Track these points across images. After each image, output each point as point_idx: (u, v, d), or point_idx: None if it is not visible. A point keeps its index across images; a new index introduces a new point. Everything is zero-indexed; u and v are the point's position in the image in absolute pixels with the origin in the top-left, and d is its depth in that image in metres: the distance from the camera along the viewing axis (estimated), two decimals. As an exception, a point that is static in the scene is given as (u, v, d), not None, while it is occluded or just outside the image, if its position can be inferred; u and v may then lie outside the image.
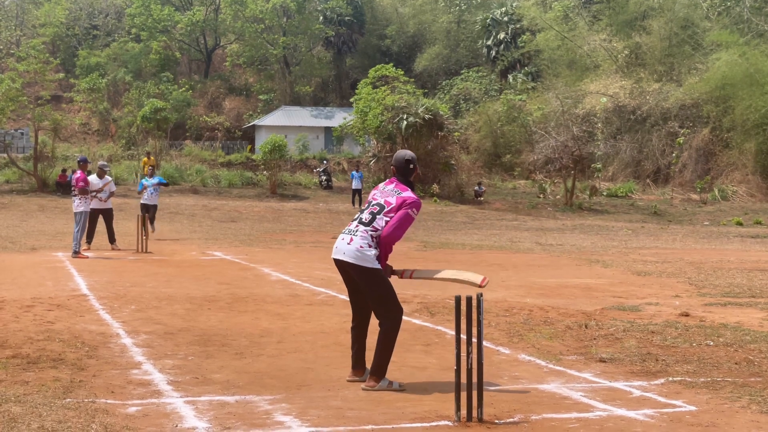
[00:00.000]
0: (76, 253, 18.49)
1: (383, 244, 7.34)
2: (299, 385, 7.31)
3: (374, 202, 7.46)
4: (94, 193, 19.81)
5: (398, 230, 7.31)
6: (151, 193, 24.52)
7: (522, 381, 7.64)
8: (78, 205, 19.03)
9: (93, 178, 20.55)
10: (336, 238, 7.60)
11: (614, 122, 51.20)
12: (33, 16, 76.82)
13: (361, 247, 7.24)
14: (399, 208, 7.31)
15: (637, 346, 9.19)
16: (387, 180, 7.68)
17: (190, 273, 16.01)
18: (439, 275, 7.66)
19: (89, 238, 20.75)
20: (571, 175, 42.48)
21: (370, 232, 7.30)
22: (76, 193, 19.16)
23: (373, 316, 7.54)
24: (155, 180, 24.94)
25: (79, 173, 19.47)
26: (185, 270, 16.60)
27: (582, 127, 45.15)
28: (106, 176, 21.26)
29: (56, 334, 9.33)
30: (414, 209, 7.34)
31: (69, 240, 22.65)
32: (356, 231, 7.35)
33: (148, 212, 23.62)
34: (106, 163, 22.46)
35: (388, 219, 7.30)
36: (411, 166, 7.59)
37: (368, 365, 7.47)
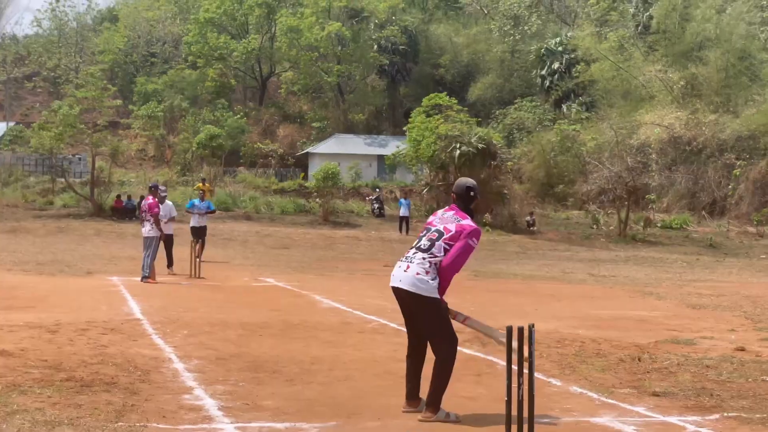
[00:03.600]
0: (146, 278, 18.59)
1: (443, 273, 7.20)
2: (350, 413, 7.30)
3: (433, 228, 7.36)
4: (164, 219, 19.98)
5: (459, 259, 7.21)
6: (200, 217, 24.36)
7: (573, 414, 7.56)
8: (149, 230, 19.09)
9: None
10: (389, 266, 7.58)
11: (669, 153, 50.70)
12: (92, 43, 78.30)
13: (418, 273, 7.16)
14: (459, 236, 7.20)
15: (691, 380, 9.06)
16: (447, 207, 7.61)
17: (242, 299, 16.10)
18: (479, 327, 7.65)
19: (169, 263, 21.13)
20: (625, 206, 42.06)
21: (428, 259, 7.19)
22: (148, 217, 19.23)
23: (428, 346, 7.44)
24: (205, 204, 24.85)
25: (150, 199, 19.57)
26: (237, 296, 16.70)
27: (636, 157, 44.80)
28: (167, 201, 21.42)
29: (110, 358, 9.42)
30: (474, 239, 7.26)
31: (124, 264, 22.96)
32: (413, 258, 7.26)
33: (199, 237, 23.26)
34: (164, 187, 22.54)
35: (447, 246, 7.19)
36: (472, 193, 7.54)
37: (423, 395, 7.41)
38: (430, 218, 7.59)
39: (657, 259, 32.80)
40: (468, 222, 7.32)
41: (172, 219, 21.37)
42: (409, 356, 7.56)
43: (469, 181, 7.68)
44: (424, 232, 7.45)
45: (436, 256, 7.20)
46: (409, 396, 7.46)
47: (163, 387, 8.13)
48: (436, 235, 7.29)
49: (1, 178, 51.91)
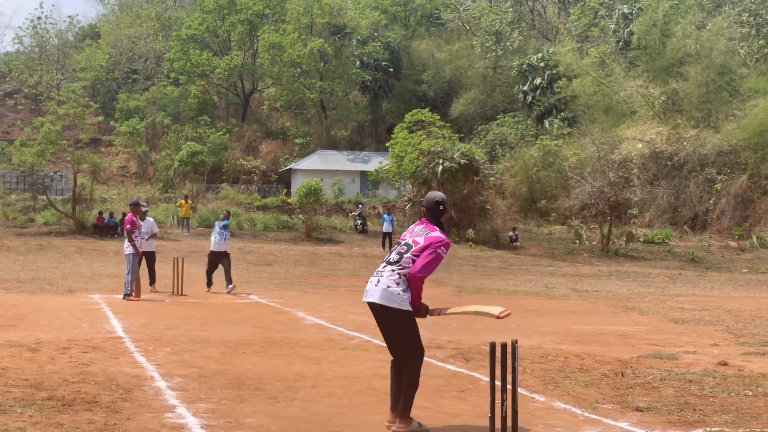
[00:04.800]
0: (127, 296, 18.50)
1: (413, 280, 7.27)
2: (333, 430, 7.28)
3: (403, 242, 7.49)
4: (136, 234, 19.39)
5: (427, 267, 7.27)
6: (218, 240, 21.66)
7: (557, 429, 7.55)
8: (128, 246, 18.98)
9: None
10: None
11: (651, 168, 50.91)
12: (74, 60, 78.20)
13: (389, 286, 7.27)
14: (427, 247, 7.29)
15: (674, 395, 9.07)
16: (418, 221, 7.72)
17: (224, 316, 16.05)
18: (464, 309, 7.75)
19: (151, 280, 21.05)
20: (608, 221, 42.19)
21: (397, 271, 7.30)
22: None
23: None
24: (223, 223, 22.09)
25: (129, 215, 19.47)
26: (220, 313, 16.64)
27: (618, 172, 44.94)
28: (148, 218, 21.34)
29: (91, 377, 9.37)
30: (443, 248, 7.34)
31: (106, 282, 22.88)
32: (383, 271, 7.39)
33: (222, 263, 21.37)
34: (145, 204, 22.41)
35: (415, 257, 7.28)
36: (441, 207, 7.64)
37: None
38: (403, 234, 7.66)
39: (639, 273, 32.91)
40: (437, 234, 7.41)
41: (153, 236, 21.32)
42: (395, 364, 7.52)
43: (438, 194, 7.77)
44: (395, 246, 7.58)
45: (404, 267, 7.30)
46: (395, 406, 7.43)
47: (145, 405, 8.08)
48: (405, 248, 7.41)
49: (-19, 195, 51.69)
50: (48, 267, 28.11)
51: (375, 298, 7.32)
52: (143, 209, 20.87)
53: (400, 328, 7.34)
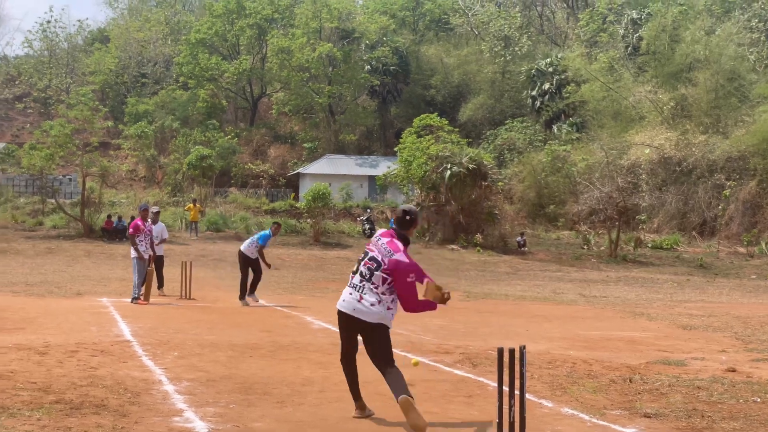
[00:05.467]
0: (135, 299, 18.51)
1: (412, 311, 7.71)
2: (340, 435, 7.27)
3: (370, 254, 7.69)
4: (140, 238, 19.07)
5: (410, 297, 7.58)
6: (250, 245, 20.16)
7: (565, 435, 7.53)
8: (133, 250, 18.94)
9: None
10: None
11: (660, 174, 50.83)
12: (83, 64, 78.45)
13: (372, 304, 7.55)
14: (393, 272, 7.51)
15: (682, 401, 9.04)
16: (384, 231, 7.95)
17: (232, 320, 16.05)
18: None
19: (159, 284, 20.99)
20: (616, 226, 42.13)
21: (374, 290, 7.56)
22: (139, 238, 19.02)
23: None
24: (261, 234, 20.35)
25: (139, 221, 19.21)
26: (228, 317, 16.65)
27: (627, 178, 44.91)
28: (159, 222, 21.34)
29: (99, 380, 9.37)
30: (411, 275, 7.58)
31: (114, 285, 22.91)
32: (363, 287, 7.62)
33: (254, 272, 19.98)
34: (156, 208, 22.32)
35: (385, 276, 7.53)
36: (408, 217, 7.84)
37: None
38: (372, 241, 7.86)
39: (647, 279, 32.85)
40: (398, 257, 7.56)
41: (163, 240, 21.34)
42: (349, 363, 7.97)
43: (408, 206, 8.04)
44: (363, 255, 7.78)
45: (377, 286, 7.56)
46: (359, 398, 7.94)
47: (153, 409, 8.08)
48: (375, 264, 7.62)
49: (-9, 198, 51.86)
50: (56, 270, 28.16)
51: (361, 315, 7.57)
52: (154, 211, 20.83)
53: (381, 341, 7.61)
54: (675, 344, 13.94)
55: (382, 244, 7.67)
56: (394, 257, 7.53)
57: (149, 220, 19.62)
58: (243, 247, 20.23)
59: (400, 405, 7.20)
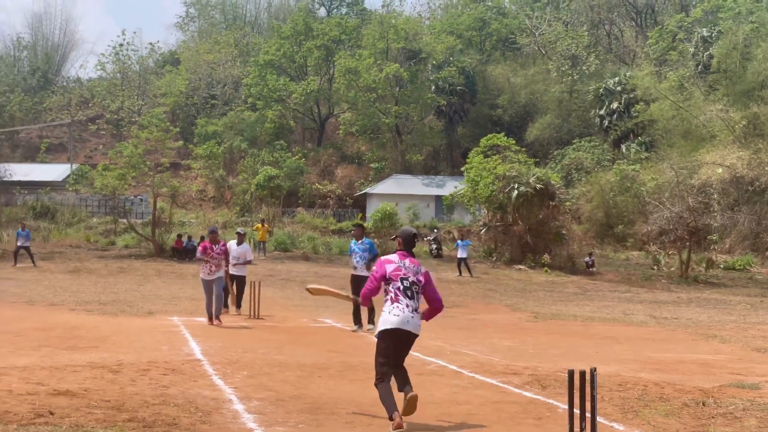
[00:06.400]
0: (215, 319, 18.37)
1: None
2: (409, 456, 7.27)
3: (411, 278, 8.76)
4: (217, 260, 18.65)
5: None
6: (358, 262, 18.43)
7: (637, 459, 7.44)
8: (206, 273, 18.61)
9: (232, 244, 20.69)
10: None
11: (731, 193, 50.03)
12: (154, 86, 79.78)
13: (418, 322, 8.75)
14: (428, 282, 8.90)
15: (757, 425, 8.88)
16: (398, 253, 8.95)
17: (301, 340, 16.13)
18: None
19: (237, 304, 21.15)
20: (687, 246, 41.53)
21: (417, 307, 8.74)
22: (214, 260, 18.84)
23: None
24: (365, 244, 18.66)
25: (208, 243, 18.81)
26: (296, 337, 16.73)
27: (698, 198, 44.26)
28: (244, 243, 21.51)
29: (171, 399, 9.49)
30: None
31: (184, 305, 23.16)
32: (415, 307, 8.71)
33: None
34: (242, 230, 22.39)
35: (421, 292, 8.85)
36: (416, 240, 9.17)
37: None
38: (393, 266, 8.80)
39: (720, 300, 32.30)
40: (423, 267, 9.00)
41: (248, 262, 21.30)
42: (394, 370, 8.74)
43: (413, 229, 9.32)
44: (405, 279, 8.74)
45: (418, 303, 8.80)
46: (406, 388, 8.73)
47: (223, 428, 8.16)
48: (417, 287, 8.79)
49: (65, 218, 52.90)
50: (128, 289, 28.55)
51: (412, 329, 8.65)
52: (240, 233, 21.39)
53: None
54: (749, 367, 13.68)
55: (411, 267, 8.80)
56: (422, 269, 8.90)
57: (219, 242, 19.36)
58: (356, 270, 18.31)
59: (409, 398, 8.34)
